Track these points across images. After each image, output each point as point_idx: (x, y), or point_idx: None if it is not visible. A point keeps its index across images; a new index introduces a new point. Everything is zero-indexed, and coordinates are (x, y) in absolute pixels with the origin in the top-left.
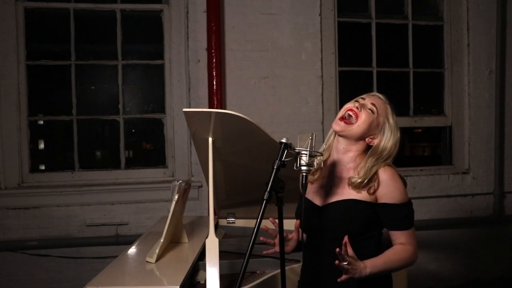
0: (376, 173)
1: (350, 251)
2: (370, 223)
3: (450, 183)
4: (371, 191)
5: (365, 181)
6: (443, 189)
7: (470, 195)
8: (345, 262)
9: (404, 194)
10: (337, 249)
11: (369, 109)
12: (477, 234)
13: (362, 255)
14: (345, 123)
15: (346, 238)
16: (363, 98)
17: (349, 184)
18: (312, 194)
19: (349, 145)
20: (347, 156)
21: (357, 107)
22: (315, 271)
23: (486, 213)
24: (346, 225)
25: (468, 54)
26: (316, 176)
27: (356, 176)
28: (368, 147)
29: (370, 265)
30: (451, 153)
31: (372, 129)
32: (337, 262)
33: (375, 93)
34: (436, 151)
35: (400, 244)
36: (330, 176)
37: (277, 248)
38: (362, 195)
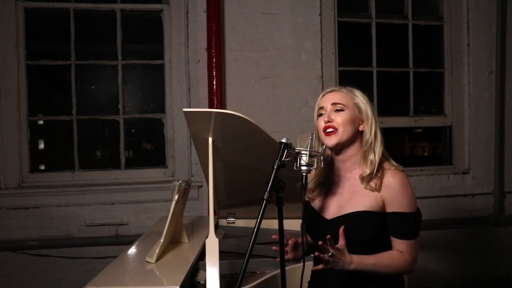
0: (382, 167)
1: (342, 242)
2: (380, 233)
3: (450, 183)
4: (377, 179)
5: (374, 172)
6: (443, 189)
7: (470, 195)
8: (328, 253)
9: (413, 202)
10: (320, 242)
11: (336, 110)
12: (477, 234)
13: None
14: (333, 133)
15: (341, 229)
16: (322, 108)
17: (361, 180)
18: (320, 207)
19: (348, 149)
20: (350, 161)
21: (328, 121)
22: (326, 277)
23: (486, 213)
24: (357, 237)
25: (468, 54)
26: (315, 193)
27: (366, 170)
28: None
29: (357, 262)
30: (451, 153)
31: (356, 120)
32: (316, 253)
33: (324, 92)
34: (436, 151)
35: (398, 251)
36: (337, 187)
37: (290, 255)
38: (371, 204)
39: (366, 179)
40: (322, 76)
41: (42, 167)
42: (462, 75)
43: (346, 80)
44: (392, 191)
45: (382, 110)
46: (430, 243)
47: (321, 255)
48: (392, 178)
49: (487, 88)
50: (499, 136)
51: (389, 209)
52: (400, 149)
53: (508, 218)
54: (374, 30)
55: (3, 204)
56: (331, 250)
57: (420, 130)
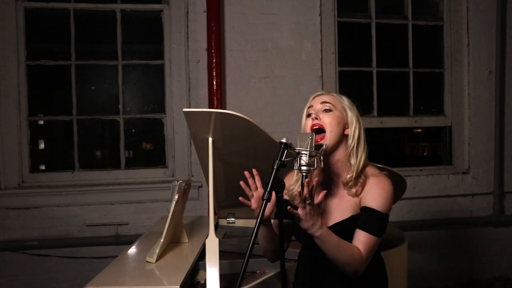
0: (364, 172)
1: (321, 195)
2: None
3: (450, 183)
4: (359, 187)
5: (356, 176)
6: (443, 189)
7: (470, 195)
8: (307, 201)
9: (387, 206)
10: (289, 207)
11: (325, 110)
12: (477, 234)
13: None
14: (321, 138)
15: (322, 194)
16: (311, 107)
17: (344, 185)
18: None
19: (334, 153)
20: (337, 166)
21: (315, 118)
22: (314, 276)
23: (486, 213)
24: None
25: (468, 54)
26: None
27: (347, 176)
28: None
29: (326, 231)
30: (451, 153)
31: (342, 122)
32: (289, 207)
33: (314, 95)
34: (436, 151)
35: (358, 248)
36: (327, 191)
37: (254, 205)
38: (355, 210)
39: (348, 185)
40: (322, 76)
41: (42, 167)
42: (462, 75)
43: (346, 80)
44: (370, 191)
45: (382, 110)
46: (430, 243)
47: (293, 210)
48: (375, 179)
49: (487, 88)
50: (499, 136)
51: (362, 203)
52: (400, 149)
53: (508, 218)
54: (374, 30)
55: (3, 204)
56: (309, 200)
57: (420, 130)
